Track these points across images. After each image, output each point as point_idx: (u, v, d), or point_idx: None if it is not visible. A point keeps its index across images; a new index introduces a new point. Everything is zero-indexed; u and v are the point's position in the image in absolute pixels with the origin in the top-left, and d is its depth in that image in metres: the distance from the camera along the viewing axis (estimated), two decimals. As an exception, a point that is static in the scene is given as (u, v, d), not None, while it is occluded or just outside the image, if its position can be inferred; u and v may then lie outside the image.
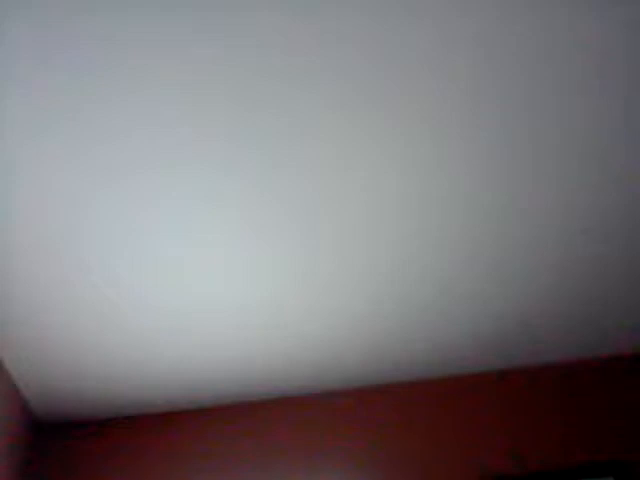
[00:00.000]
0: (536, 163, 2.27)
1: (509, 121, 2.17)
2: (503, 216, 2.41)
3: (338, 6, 1.91)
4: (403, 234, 2.44)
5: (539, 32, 1.98)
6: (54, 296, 2.55)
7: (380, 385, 2.96)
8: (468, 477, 2.71)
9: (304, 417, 2.94)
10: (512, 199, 2.36)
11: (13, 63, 1.98)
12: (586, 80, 2.09)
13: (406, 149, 2.22)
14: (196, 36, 1.96)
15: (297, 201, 2.33)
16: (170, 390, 2.93)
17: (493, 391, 2.89)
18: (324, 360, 2.85)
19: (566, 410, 2.80)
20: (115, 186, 2.26)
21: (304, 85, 2.06)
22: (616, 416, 2.75)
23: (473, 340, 2.79)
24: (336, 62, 2.02)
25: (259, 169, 2.24)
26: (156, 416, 3.00)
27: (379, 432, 2.86)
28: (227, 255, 2.46)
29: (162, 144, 2.17)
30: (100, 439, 2.97)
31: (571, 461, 2.69)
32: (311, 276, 2.55)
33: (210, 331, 2.70)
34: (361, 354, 2.83)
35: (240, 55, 1.99)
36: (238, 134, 2.16)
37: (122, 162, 2.20)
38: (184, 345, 2.75)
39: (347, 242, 2.45)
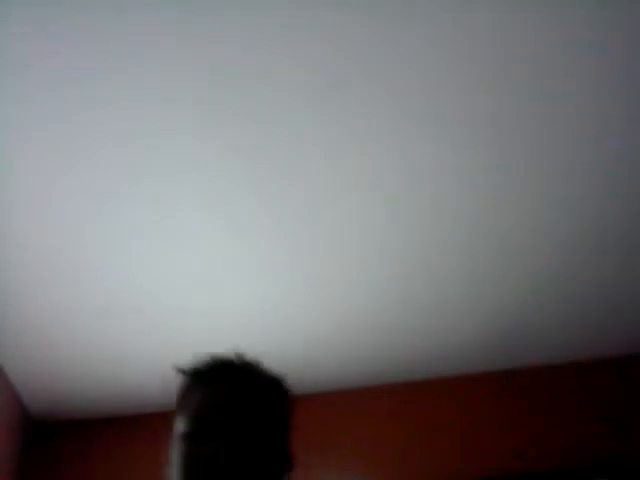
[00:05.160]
0: (537, 164, 2.26)
1: (507, 120, 2.15)
2: (504, 217, 2.40)
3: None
4: (403, 234, 2.43)
5: (538, 37, 1.97)
6: (52, 295, 2.53)
7: (380, 385, 2.96)
8: (467, 477, 2.73)
9: (303, 417, 2.94)
10: (513, 200, 2.35)
11: (12, 63, 1.95)
12: (584, 98, 2.08)
13: (407, 149, 2.20)
14: (197, 39, 1.93)
15: (297, 203, 2.32)
16: (168, 390, 2.92)
17: (492, 392, 2.90)
18: (324, 360, 2.84)
19: (565, 411, 2.81)
20: (116, 191, 2.24)
21: (307, 92, 2.04)
22: (615, 417, 2.77)
23: (473, 340, 2.79)
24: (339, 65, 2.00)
25: (259, 172, 2.23)
26: (154, 416, 3.00)
27: (378, 432, 2.86)
28: (228, 258, 2.46)
29: (163, 150, 2.15)
30: (97, 438, 2.96)
31: (569, 462, 2.71)
32: (311, 277, 2.54)
33: (210, 331, 2.70)
34: (361, 354, 2.83)
35: (241, 57, 1.97)
36: (238, 140, 2.14)
37: (123, 167, 2.18)
38: (183, 345, 2.74)
39: (347, 243, 2.44)
